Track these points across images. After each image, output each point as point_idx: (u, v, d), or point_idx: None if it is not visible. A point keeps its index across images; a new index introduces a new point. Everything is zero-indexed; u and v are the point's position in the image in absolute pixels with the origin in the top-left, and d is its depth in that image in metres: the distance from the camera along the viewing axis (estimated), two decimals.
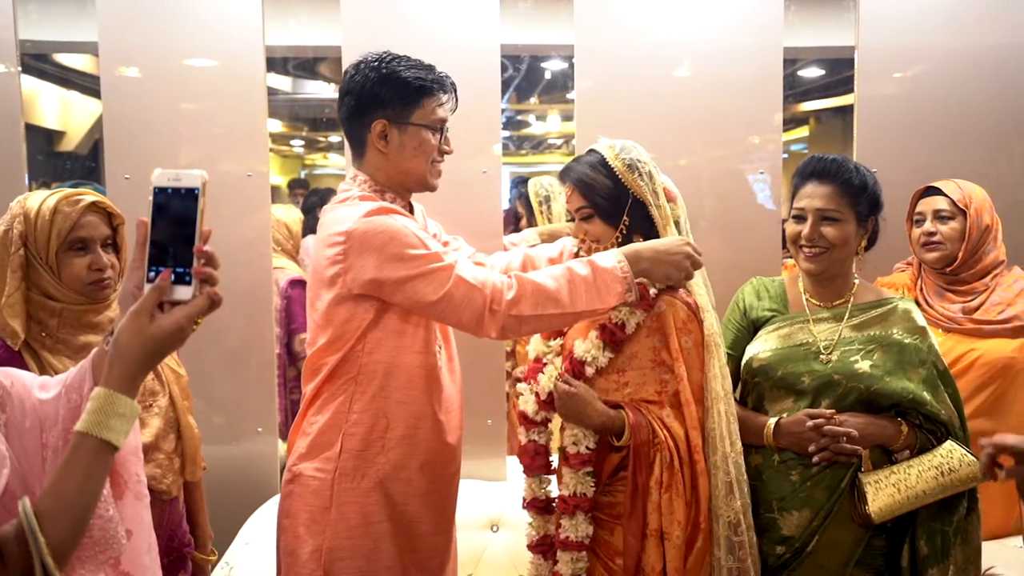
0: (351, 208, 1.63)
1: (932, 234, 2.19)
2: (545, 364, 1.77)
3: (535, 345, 1.82)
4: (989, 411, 2.10)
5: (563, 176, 1.76)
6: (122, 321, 1.00)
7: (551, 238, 2.27)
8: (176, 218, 1.01)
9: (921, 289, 2.25)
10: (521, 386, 1.81)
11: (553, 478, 1.82)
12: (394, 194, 1.72)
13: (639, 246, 1.66)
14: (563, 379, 1.67)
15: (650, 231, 1.71)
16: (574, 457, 1.68)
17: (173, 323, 1.00)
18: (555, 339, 1.82)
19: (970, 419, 2.06)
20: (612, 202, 1.70)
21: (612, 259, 1.62)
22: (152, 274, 1.01)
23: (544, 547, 1.79)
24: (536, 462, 1.80)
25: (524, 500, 1.82)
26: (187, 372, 1.91)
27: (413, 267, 1.56)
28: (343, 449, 1.63)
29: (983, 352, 2.10)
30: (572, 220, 1.79)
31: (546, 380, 1.73)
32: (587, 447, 1.67)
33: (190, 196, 1.01)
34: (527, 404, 1.77)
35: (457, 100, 1.76)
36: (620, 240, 1.72)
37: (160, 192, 1.01)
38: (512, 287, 1.58)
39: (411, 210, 1.79)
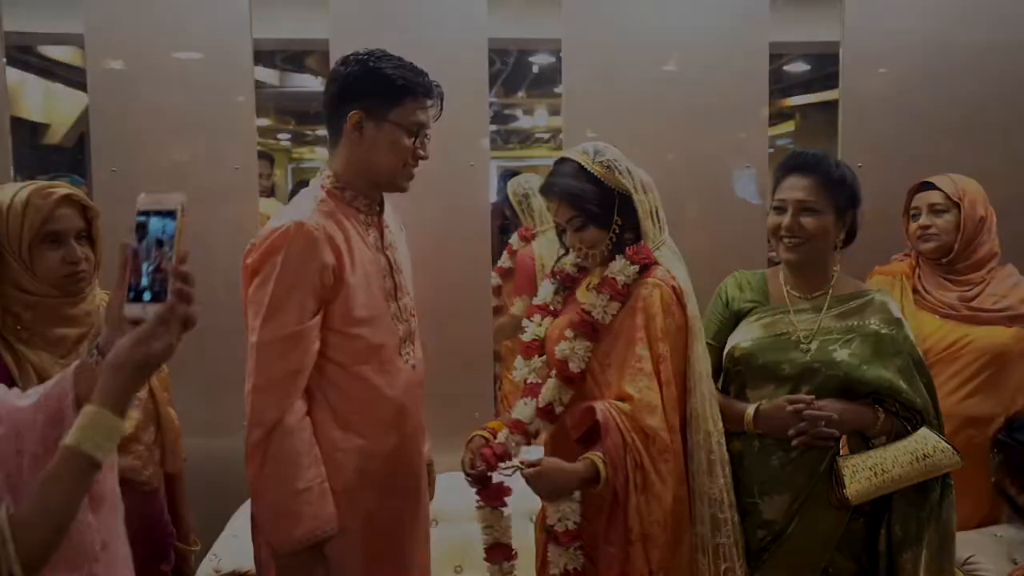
0: (293, 207, 1.64)
1: (927, 227, 2.23)
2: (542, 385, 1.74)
3: (519, 371, 1.80)
4: (983, 393, 2.15)
5: (546, 192, 1.75)
6: (120, 342, 1.02)
7: None
8: (155, 239, 1.04)
9: (920, 277, 2.29)
10: (518, 403, 1.77)
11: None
12: (355, 192, 1.69)
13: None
14: (525, 463, 1.61)
15: (638, 227, 1.72)
16: (563, 535, 1.64)
17: (165, 346, 1.01)
18: (538, 356, 1.80)
19: (965, 400, 2.13)
20: (601, 206, 1.69)
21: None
22: (132, 294, 1.03)
23: None
24: None
25: None
26: (172, 365, 1.90)
27: (257, 327, 1.55)
28: None
29: (978, 338, 2.15)
30: (563, 232, 1.77)
31: (548, 392, 1.71)
32: (574, 522, 1.63)
33: (169, 218, 1.04)
34: (522, 411, 1.74)
35: (442, 109, 1.73)
36: (614, 240, 1.71)
37: (142, 215, 1.05)
38: (286, 434, 1.54)
39: (381, 208, 1.77)
